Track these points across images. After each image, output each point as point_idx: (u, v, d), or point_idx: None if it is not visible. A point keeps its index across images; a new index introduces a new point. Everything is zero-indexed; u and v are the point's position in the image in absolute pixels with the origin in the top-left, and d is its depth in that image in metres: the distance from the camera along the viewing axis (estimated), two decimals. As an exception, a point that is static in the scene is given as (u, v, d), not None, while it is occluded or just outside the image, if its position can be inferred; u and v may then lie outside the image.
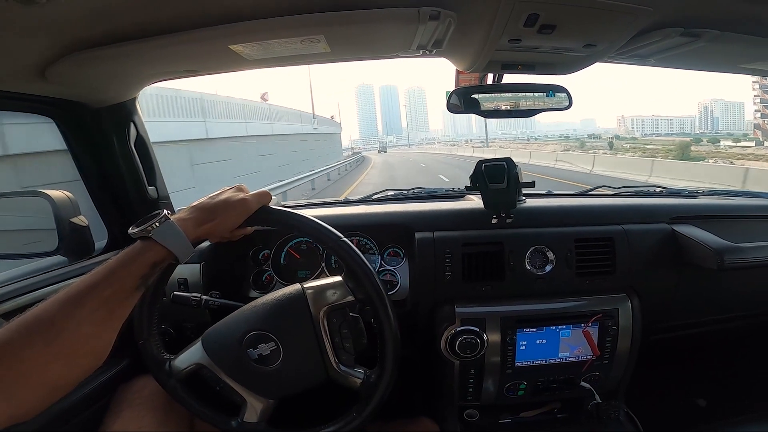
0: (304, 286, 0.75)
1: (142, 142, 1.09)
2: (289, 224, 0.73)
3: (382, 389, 0.71)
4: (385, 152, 68.51)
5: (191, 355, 0.74)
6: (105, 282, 0.54)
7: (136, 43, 0.73)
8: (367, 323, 0.75)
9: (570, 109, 1.05)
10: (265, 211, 0.71)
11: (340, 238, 0.70)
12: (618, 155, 28.63)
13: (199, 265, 1.03)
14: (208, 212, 0.66)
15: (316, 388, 0.73)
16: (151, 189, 1.13)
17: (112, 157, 1.04)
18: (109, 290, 0.53)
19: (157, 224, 0.60)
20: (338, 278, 0.74)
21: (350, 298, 0.72)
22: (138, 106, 1.06)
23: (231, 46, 0.74)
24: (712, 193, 1.36)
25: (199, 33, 0.70)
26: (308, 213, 1.18)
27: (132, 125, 1.04)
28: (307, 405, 0.83)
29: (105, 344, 0.53)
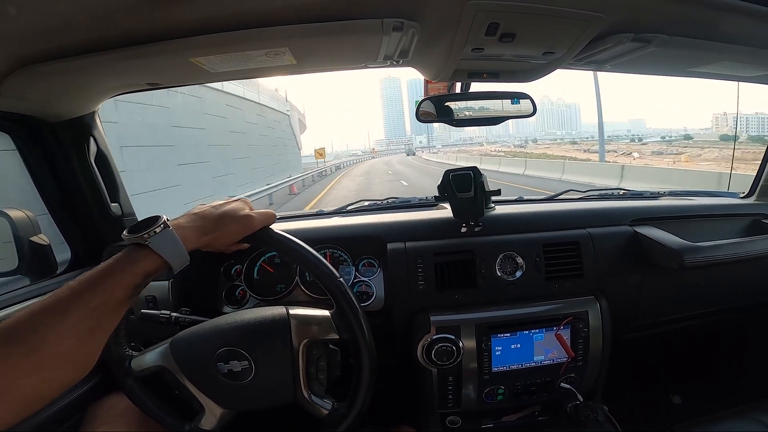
0: (290, 312, 0.72)
1: (103, 157, 1.06)
2: (288, 251, 0.71)
3: (348, 423, 0.70)
4: (413, 155, 64.37)
5: (156, 357, 0.72)
6: (93, 291, 0.50)
7: (93, 57, 0.71)
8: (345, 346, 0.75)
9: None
10: (266, 231, 0.69)
11: (336, 277, 0.70)
12: None
13: (167, 281, 1.00)
14: (210, 222, 0.63)
15: (280, 408, 0.72)
16: (114, 206, 1.09)
17: (71, 174, 1.01)
18: (97, 300, 0.50)
19: (156, 230, 0.56)
20: (326, 313, 0.73)
21: (334, 335, 0.71)
22: (98, 120, 1.03)
23: (192, 59, 0.73)
24: (672, 193, 1.42)
25: (158, 46, 0.69)
26: (281, 227, 1.17)
27: (92, 140, 1.01)
28: (266, 421, 0.81)
29: (89, 357, 0.50)
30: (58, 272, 1.08)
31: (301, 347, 0.70)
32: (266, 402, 0.72)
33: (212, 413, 0.71)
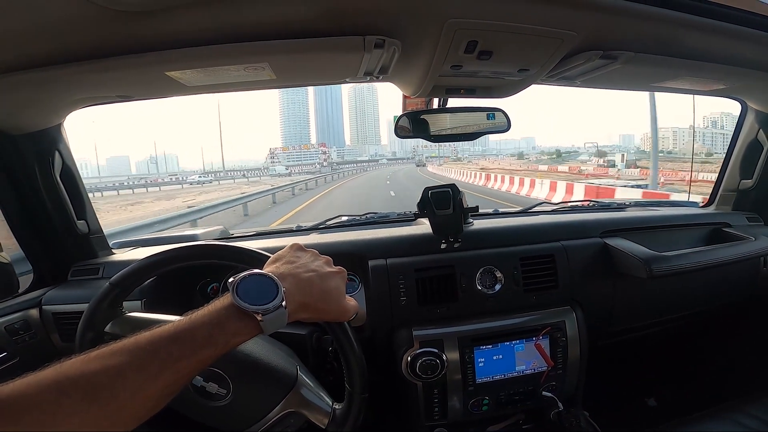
0: (299, 377, 0.68)
1: (69, 173, 1.01)
2: (345, 350, 0.66)
3: None
4: (423, 165, 49.14)
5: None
6: (189, 359, 0.45)
7: (60, 68, 0.68)
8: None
9: (511, 128, 1.10)
10: (343, 326, 0.65)
11: (365, 391, 0.66)
12: None
13: (140, 302, 0.95)
14: (314, 299, 0.56)
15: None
16: (80, 223, 1.04)
17: (34, 189, 0.96)
18: (190, 368, 0.46)
19: (273, 309, 0.51)
20: (328, 402, 0.68)
21: (322, 425, 0.66)
22: (64, 133, 0.98)
23: (168, 73, 0.71)
24: (638, 204, 1.48)
25: (132, 59, 0.66)
26: (258, 243, 1.14)
27: (57, 154, 0.96)
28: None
29: (150, 413, 0.45)
30: (19, 291, 1.02)
31: (284, 412, 0.66)
32: (207, 421, 0.67)
33: None
